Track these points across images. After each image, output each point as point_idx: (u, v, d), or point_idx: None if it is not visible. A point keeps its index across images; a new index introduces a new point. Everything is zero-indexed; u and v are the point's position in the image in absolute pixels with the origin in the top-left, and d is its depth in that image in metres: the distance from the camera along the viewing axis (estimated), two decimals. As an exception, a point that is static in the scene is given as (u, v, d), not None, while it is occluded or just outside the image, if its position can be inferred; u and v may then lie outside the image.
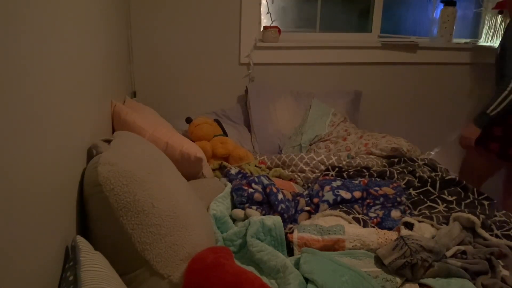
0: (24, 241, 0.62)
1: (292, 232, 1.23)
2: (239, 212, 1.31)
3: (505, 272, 1.15)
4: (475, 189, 1.53)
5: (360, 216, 1.33)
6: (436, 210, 1.43)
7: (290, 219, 1.35)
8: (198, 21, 2.22)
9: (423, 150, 2.22)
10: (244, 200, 1.33)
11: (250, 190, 1.35)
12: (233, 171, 1.60)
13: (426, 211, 1.42)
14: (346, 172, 1.69)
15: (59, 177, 0.81)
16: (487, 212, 1.40)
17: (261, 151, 2.14)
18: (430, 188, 1.56)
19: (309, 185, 1.70)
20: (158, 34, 2.19)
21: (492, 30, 2.70)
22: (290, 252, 1.21)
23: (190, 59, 2.27)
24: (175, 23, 2.20)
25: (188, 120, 2.01)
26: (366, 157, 1.83)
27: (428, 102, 2.65)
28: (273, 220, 1.21)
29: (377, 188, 1.48)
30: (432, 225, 1.31)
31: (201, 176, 1.50)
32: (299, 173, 1.78)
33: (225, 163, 1.73)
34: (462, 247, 1.20)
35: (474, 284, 1.09)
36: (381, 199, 1.43)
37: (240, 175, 1.57)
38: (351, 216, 1.32)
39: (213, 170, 1.71)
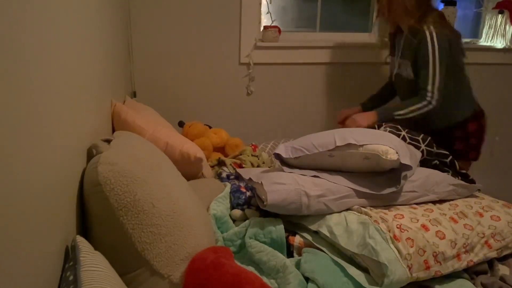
0: (24, 241, 0.62)
1: (294, 235, 1.22)
2: (237, 213, 1.31)
3: (504, 271, 1.15)
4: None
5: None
6: None
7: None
8: (198, 21, 2.22)
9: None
10: (241, 202, 1.33)
11: (248, 193, 1.35)
12: (224, 174, 1.60)
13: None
14: None
15: (59, 177, 0.81)
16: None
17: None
18: None
19: None
20: (158, 34, 2.19)
21: (492, 30, 2.70)
22: (290, 256, 1.19)
23: (190, 59, 2.27)
24: (175, 23, 2.20)
25: (181, 124, 2.05)
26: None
27: (428, 102, 2.65)
28: (274, 222, 1.21)
29: None
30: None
31: (201, 176, 1.50)
32: None
33: (223, 158, 1.74)
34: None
35: (474, 283, 1.09)
36: None
37: (232, 177, 1.57)
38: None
39: (212, 166, 1.71)
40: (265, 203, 1.18)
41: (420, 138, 1.61)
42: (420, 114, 1.76)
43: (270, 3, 2.39)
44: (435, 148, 1.61)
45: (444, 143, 1.87)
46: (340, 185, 1.26)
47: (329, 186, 1.25)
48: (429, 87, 1.74)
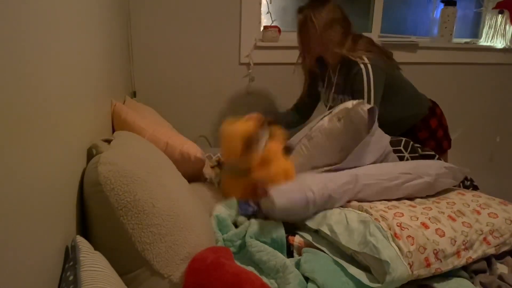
0: (24, 241, 0.62)
1: (293, 235, 1.22)
2: (242, 220, 1.30)
3: (502, 270, 1.15)
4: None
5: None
6: None
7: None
8: (198, 21, 2.22)
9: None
10: (249, 214, 1.32)
11: (256, 208, 1.34)
12: None
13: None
14: None
15: (59, 177, 0.81)
16: None
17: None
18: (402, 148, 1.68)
19: None
20: (158, 34, 2.19)
21: (492, 30, 2.70)
22: (290, 256, 1.19)
23: (190, 59, 2.27)
24: (175, 23, 2.20)
25: None
26: None
27: (428, 102, 2.64)
28: (274, 222, 1.21)
29: None
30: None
31: (201, 176, 1.50)
32: None
33: (223, 159, 1.73)
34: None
35: (473, 282, 1.09)
36: None
37: None
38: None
39: (212, 167, 1.71)
40: (274, 208, 1.20)
41: (402, 147, 1.65)
42: None
43: (270, 3, 2.38)
44: (419, 151, 1.66)
45: None
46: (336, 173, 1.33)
47: (327, 176, 1.30)
48: None
